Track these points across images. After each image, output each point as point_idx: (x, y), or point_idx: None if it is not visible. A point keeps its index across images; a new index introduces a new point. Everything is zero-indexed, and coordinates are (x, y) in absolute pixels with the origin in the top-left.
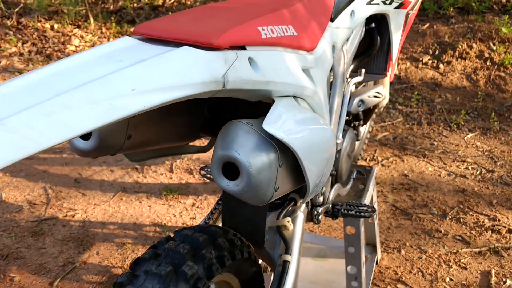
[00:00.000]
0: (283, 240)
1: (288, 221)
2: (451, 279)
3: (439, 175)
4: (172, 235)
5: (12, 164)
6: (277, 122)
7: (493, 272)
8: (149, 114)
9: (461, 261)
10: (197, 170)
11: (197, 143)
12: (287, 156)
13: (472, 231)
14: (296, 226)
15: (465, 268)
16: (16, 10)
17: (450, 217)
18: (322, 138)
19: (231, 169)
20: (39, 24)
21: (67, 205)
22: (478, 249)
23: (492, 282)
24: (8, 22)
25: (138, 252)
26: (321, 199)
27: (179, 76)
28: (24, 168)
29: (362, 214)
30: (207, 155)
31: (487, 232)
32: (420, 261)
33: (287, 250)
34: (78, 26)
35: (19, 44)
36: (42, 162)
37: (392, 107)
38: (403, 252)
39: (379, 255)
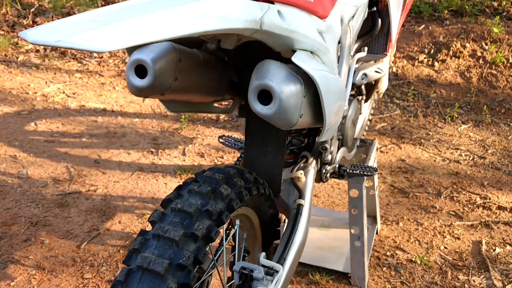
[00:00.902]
0: (297, 189)
1: (301, 174)
2: (445, 247)
3: (434, 160)
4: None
5: (35, 146)
6: (302, 59)
7: (483, 241)
8: (192, 64)
9: (455, 232)
10: (208, 153)
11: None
12: (309, 90)
13: (465, 208)
14: (308, 178)
15: (458, 238)
16: (32, 10)
17: (445, 195)
18: (337, 84)
19: (265, 96)
20: None
21: (89, 182)
22: (470, 223)
23: (483, 250)
24: (24, 22)
25: None
26: (329, 157)
27: (229, 12)
28: (46, 150)
29: (366, 173)
30: (216, 145)
31: (478, 208)
32: (417, 232)
33: (301, 196)
34: None
35: None
36: (63, 145)
37: (389, 101)
38: (401, 224)
39: (379, 226)
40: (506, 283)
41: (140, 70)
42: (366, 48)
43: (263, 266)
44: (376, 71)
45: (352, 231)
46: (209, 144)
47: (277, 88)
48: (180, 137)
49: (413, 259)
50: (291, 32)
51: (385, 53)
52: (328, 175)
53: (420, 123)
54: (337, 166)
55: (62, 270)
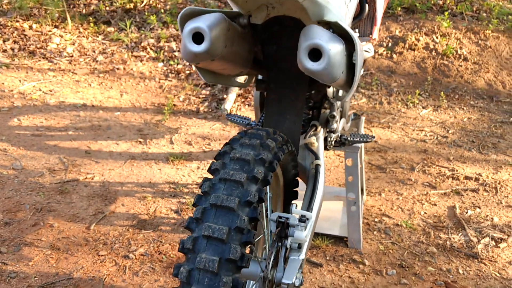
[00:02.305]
0: (312, 152)
1: (314, 139)
2: (425, 213)
3: (403, 141)
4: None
5: (23, 140)
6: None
7: (457, 206)
8: (235, 34)
9: (431, 200)
10: (195, 141)
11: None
12: (347, 51)
13: (437, 179)
14: (320, 143)
15: (435, 205)
16: None
17: (417, 169)
18: (362, 49)
19: (314, 55)
20: (17, 24)
21: (84, 170)
22: (443, 191)
23: (457, 212)
24: None
25: (159, 203)
26: (335, 125)
27: None
28: (35, 143)
29: (365, 140)
30: (202, 133)
31: (448, 179)
32: (398, 201)
33: (317, 158)
34: (56, 27)
35: (0, 42)
36: (50, 138)
37: (355, 90)
38: (383, 195)
39: (364, 197)
40: (480, 238)
41: (197, 37)
42: (357, 30)
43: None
44: (366, 51)
45: (349, 197)
46: (194, 133)
47: (326, 46)
48: (164, 128)
49: (399, 223)
50: (327, 3)
51: (370, 36)
52: (333, 142)
53: (385, 109)
54: (339, 135)
55: (77, 249)
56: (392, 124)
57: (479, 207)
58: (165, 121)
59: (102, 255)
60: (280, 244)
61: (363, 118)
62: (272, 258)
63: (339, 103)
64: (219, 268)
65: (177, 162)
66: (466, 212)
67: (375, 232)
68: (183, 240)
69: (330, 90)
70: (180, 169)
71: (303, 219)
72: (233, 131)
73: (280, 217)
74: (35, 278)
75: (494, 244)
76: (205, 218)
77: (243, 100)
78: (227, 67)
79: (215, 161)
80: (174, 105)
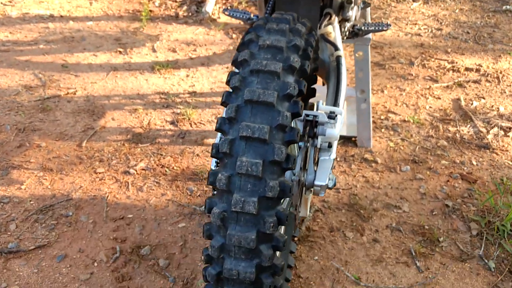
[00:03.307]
0: (330, 43)
1: (330, 29)
2: (430, 107)
3: (398, 36)
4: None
5: None
6: None
7: (461, 98)
8: None
9: (435, 93)
10: (180, 48)
11: None
12: None
13: (437, 72)
14: (336, 32)
15: (439, 98)
16: None
17: (417, 64)
18: None
19: None
20: None
21: (64, 85)
22: (445, 84)
23: (463, 105)
24: None
25: (151, 114)
26: (350, 13)
27: None
28: (4, 59)
29: (381, 28)
30: (185, 39)
31: (449, 72)
32: (402, 97)
33: (336, 49)
34: None
35: None
36: (20, 53)
37: None
38: (386, 92)
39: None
40: (489, 129)
41: None
42: None
43: None
44: None
45: (359, 94)
46: (177, 39)
47: None
48: (143, 36)
49: (406, 119)
50: None
51: None
52: (347, 33)
53: (375, 4)
54: (352, 24)
55: (71, 169)
56: (384, 19)
57: (484, 98)
58: (143, 29)
59: (100, 173)
60: (308, 145)
61: (369, 8)
62: (301, 160)
63: None
64: (263, 172)
65: (163, 71)
66: (471, 104)
67: (383, 130)
68: (216, 144)
69: None
70: (168, 78)
71: (332, 116)
72: (218, 35)
73: (307, 115)
74: (31, 202)
75: (503, 133)
76: (240, 117)
77: (224, 1)
78: None
79: (238, 52)
80: (151, 11)
